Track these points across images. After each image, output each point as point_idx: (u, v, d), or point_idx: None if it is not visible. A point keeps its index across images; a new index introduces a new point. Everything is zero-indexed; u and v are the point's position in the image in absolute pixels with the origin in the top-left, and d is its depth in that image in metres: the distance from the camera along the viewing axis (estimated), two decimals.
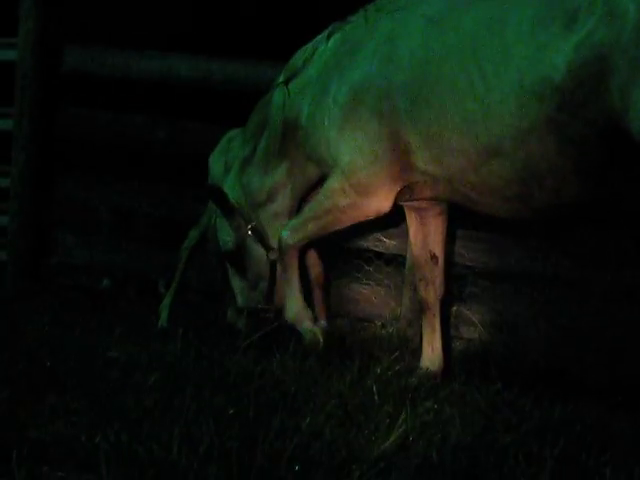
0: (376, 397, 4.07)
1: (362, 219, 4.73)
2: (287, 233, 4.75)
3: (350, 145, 4.57)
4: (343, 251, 5.74)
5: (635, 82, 3.84)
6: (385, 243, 5.63)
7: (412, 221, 4.91)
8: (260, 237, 5.05)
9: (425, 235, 4.88)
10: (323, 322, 5.02)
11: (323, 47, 4.84)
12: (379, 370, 4.52)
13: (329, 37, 4.84)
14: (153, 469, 3.19)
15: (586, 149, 4.02)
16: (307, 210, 4.76)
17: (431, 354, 4.87)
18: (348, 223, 4.74)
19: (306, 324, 4.81)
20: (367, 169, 4.54)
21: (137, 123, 6.32)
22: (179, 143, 6.18)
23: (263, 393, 4.04)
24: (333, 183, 4.64)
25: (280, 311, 4.99)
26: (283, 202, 5.04)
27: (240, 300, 5.12)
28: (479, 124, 4.21)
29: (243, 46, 7.77)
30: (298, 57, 4.97)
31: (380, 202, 4.61)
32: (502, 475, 3.32)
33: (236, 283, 5.13)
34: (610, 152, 4.02)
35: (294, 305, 4.81)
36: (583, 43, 3.94)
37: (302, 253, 4.99)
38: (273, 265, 5.03)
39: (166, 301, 5.50)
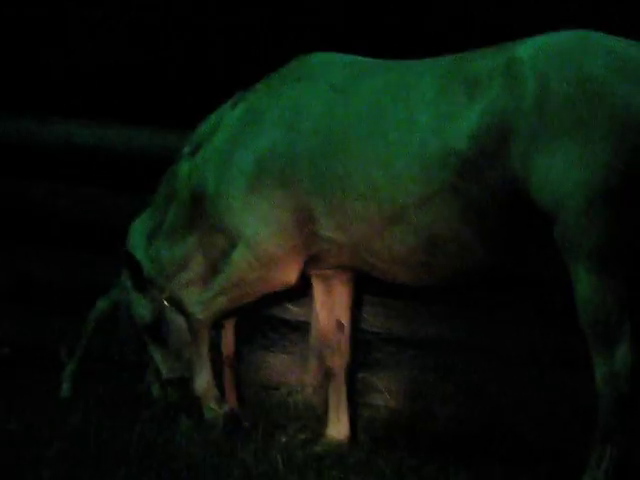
0: (281, 466, 4.02)
1: (270, 291, 4.71)
2: (196, 308, 4.71)
3: (254, 215, 4.55)
4: (249, 318, 5.70)
5: (536, 149, 3.92)
6: (291, 310, 5.61)
7: (318, 289, 4.90)
8: (177, 305, 4.99)
9: (331, 303, 4.88)
10: (227, 406, 4.90)
11: (228, 116, 4.84)
12: (284, 439, 4.48)
13: (234, 106, 4.85)
14: None
15: (489, 215, 4.08)
16: (215, 284, 4.71)
17: (337, 422, 4.83)
18: (258, 295, 4.72)
19: (211, 403, 4.74)
20: (271, 240, 4.53)
21: (39, 189, 6.23)
22: (81, 210, 6.10)
23: (167, 464, 3.97)
24: (238, 257, 4.62)
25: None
26: (196, 269, 4.99)
27: (164, 372, 5.04)
28: (383, 191, 4.24)
29: (151, 114, 7.75)
30: (203, 127, 4.96)
31: (287, 274, 4.60)
32: None
33: (158, 356, 5.05)
34: (513, 218, 4.08)
35: (202, 382, 4.75)
36: (485, 111, 4.01)
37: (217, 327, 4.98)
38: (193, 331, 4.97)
39: (68, 370, 5.37)
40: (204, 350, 4.76)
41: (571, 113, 3.88)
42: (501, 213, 4.07)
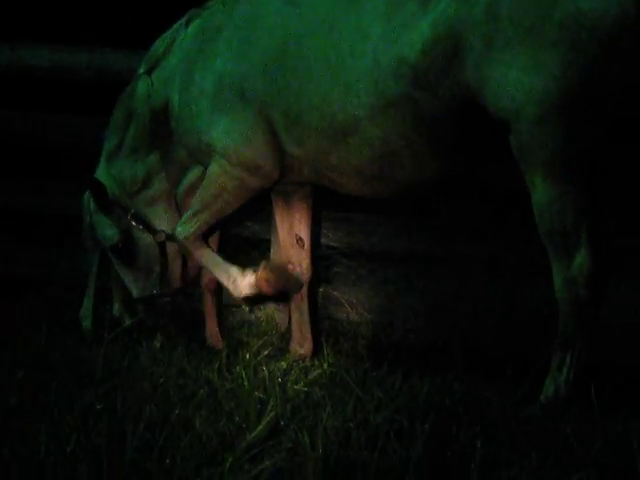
0: (246, 383, 4.05)
1: (252, 195, 4.67)
2: (181, 229, 4.66)
3: (221, 130, 4.52)
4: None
5: (489, 58, 3.90)
6: (251, 228, 5.61)
7: (277, 205, 4.90)
8: (143, 222, 4.97)
9: (291, 219, 4.88)
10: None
11: (183, 35, 4.79)
12: (248, 355, 4.51)
13: (187, 24, 4.79)
14: (19, 469, 3.11)
15: (442, 125, 4.07)
16: (196, 202, 4.67)
17: (300, 336, 4.88)
18: (240, 202, 4.66)
19: (251, 278, 4.60)
20: (244, 149, 4.50)
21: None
22: (38, 136, 6.01)
23: (131, 386, 3.98)
24: (215, 168, 4.58)
25: (178, 292, 4.98)
26: (159, 186, 4.98)
27: (135, 292, 5.02)
28: (337, 103, 4.23)
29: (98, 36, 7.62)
30: (158, 46, 4.91)
31: (267, 175, 4.56)
32: (374, 454, 3.33)
33: (127, 276, 5.03)
34: (468, 128, 4.08)
35: (232, 277, 4.63)
36: (437, 21, 3.98)
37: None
38: (162, 248, 4.97)
39: (87, 305, 5.30)
40: (210, 256, 4.68)
41: (522, 21, 3.86)
42: (456, 123, 4.07)
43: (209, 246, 4.74)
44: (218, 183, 4.59)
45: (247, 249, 5.69)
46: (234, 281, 4.61)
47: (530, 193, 3.98)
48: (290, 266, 4.80)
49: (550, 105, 3.84)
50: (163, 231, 4.97)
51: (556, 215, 3.92)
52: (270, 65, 4.40)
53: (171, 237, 4.88)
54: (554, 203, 3.92)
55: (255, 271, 4.58)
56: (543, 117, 3.86)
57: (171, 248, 4.97)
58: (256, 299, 4.64)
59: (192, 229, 4.63)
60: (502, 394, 4.09)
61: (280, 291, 4.62)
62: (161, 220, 4.99)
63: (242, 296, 4.60)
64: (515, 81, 3.87)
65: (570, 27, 3.80)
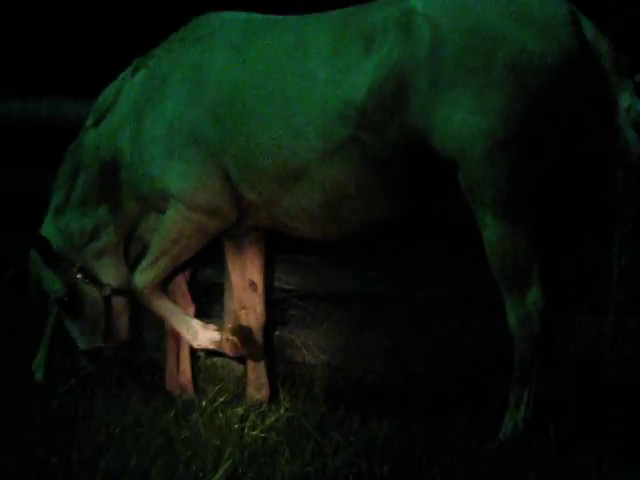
0: (202, 431, 4.01)
1: (211, 238, 4.65)
2: (138, 278, 4.61)
3: (175, 175, 4.50)
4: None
5: (435, 99, 3.93)
6: (203, 273, 5.57)
7: (229, 249, 4.87)
8: (89, 276, 4.92)
9: (243, 262, 4.86)
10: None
11: (129, 84, 4.77)
12: (204, 402, 4.46)
13: (134, 73, 4.78)
14: None
15: (393, 167, 4.10)
16: (153, 249, 4.63)
17: (256, 381, 4.84)
18: (199, 246, 4.64)
19: (213, 334, 4.61)
20: (200, 193, 4.48)
21: None
22: None
23: (86, 437, 3.93)
24: (172, 214, 4.55)
25: (123, 346, 4.92)
26: (107, 239, 4.93)
27: (81, 344, 4.97)
28: (286, 148, 4.23)
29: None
30: (105, 97, 4.88)
31: (225, 216, 4.54)
32: None
33: (73, 328, 4.98)
34: (418, 168, 4.10)
35: (193, 328, 4.61)
36: (382, 63, 4.02)
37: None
38: (108, 301, 4.91)
39: (40, 357, 5.23)
40: (168, 308, 4.65)
41: (466, 61, 3.91)
42: (405, 164, 4.09)
43: (167, 295, 4.72)
44: (176, 228, 4.56)
45: (200, 295, 5.64)
46: (194, 332, 4.59)
47: (481, 231, 4.00)
48: (255, 332, 4.77)
49: (496, 144, 3.88)
50: (109, 285, 4.92)
51: (507, 252, 3.95)
52: (220, 111, 4.40)
53: (117, 291, 4.88)
54: (505, 240, 3.95)
55: (220, 329, 4.61)
56: (490, 156, 3.89)
57: (117, 301, 4.93)
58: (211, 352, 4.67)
59: (150, 277, 4.60)
60: (460, 433, 4.09)
61: (242, 355, 4.67)
62: (108, 273, 4.95)
63: (201, 347, 4.62)
64: (461, 121, 3.91)
65: (514, 67, 3.86)
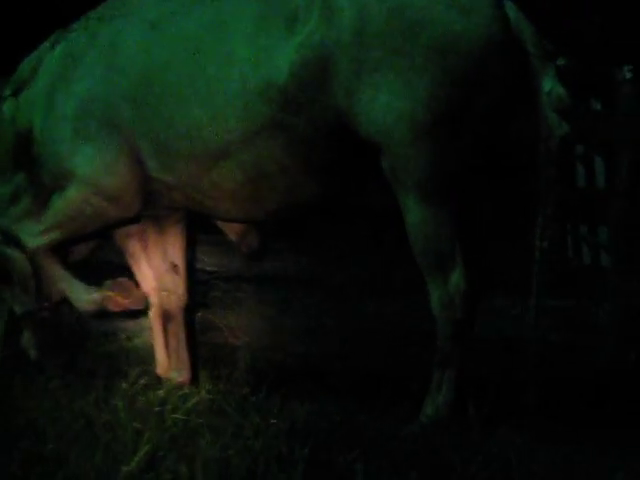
0: (122, 414, 3.96)
1: (111, 223, 4.60)
2: (31, 241, 4.59)
3: (83, 157, 4.44)
4: (83, 264, 5.58)
5: (358, 81, 3.92)
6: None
7: (150, 231, 4.83)
8: (11, 238, 4.84)
9: (164, 245, 4.81)
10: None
11: (49, 57, 4.69)
12: (125, 385, 4.42)
13: (53, 46, 4.70)
14: None
15: (314, 148, 4.08)
16: (49, 217, 4.58)
17: (178, 363, 4.81)
18: (96, 229, 4.60)
19: (95, 296, 4.61)
20: (105, 179, 4.42)
21: None
22: None
23: (3, 422, 3.86)
24: (74, 192, 4.49)
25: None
26: (27, 204, 4.86)
27: (17, 309, 4.90)
28: (206, 129, 4.19)
29: None
30: (23, 68, 4.80)
31: (127, 206, 4.50)
32: None
33: (7, 294, 4.91)
34: (341, 150, 4.08)
35: (77, 293, 4.62)
36: (304, 44, 3.99)
37: None
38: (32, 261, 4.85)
39: None
40: (55, 269, 4.63)
41: (390, 43, 3.90)
42: (328, 146, 4.07)
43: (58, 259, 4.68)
44: (75, 207, 4.51)
45: (121, 276, 5.57)
46: (78, 296, 4.60)
47: (403, 214, 4.00)
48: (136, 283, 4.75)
49: (420, 127, 3.88)
50: None
51: (430, 236, 3.97)
52: (135, 92, 4.33)
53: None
54: (427, 224, 3.96)
55: (99, 289, 4.60)
56: (413, 139, 3.89)
57: None
58: (101, 314, 4.67)
59: (42, 243, 4.58)
60: (382, 414, 4.10)
61: (124, 308, 4.65)
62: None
63: (85, 311, 4.64)
64: (385, 104, 3.90)
65: (438, 50, 3.86)
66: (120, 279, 4.70)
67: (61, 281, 4.63)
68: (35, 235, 4.59)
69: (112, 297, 4.58)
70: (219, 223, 4.89)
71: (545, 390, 4.31)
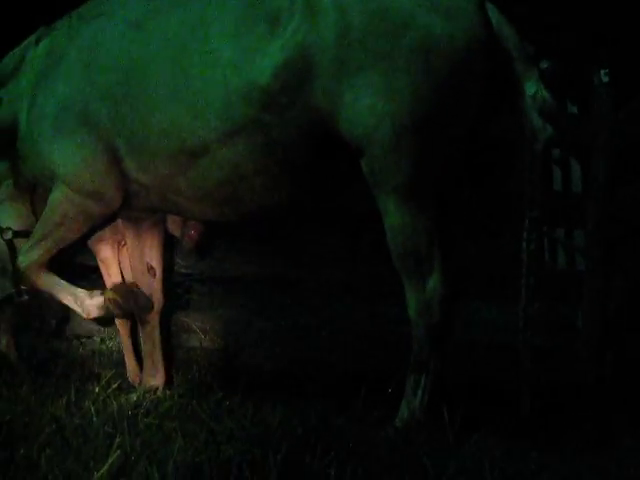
0: (95, 418, 3.93)
1: (96, 222, 4.57)
2: (22, 259, 4.55)
3: (62, 155, 4.42)
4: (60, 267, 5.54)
5: (340, 83, 3.90)
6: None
7: (128, 233, 4.80)
8: None
9: (141, 246, 4.78)
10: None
11: (32, 54, 4.68)
12: (97, 389, 4.38)
13: (37, 42, 4.68)
14: None
15: (294, 149, 4.05)
16: (38, 230, 4.56)
17: (151, 367, 4.78)
18: (83, 230, 4.57)
19: (99, 300, 4.55)
20: (85, 176, 4.40)
21: None
22: None
23: None
24: (57, 195, 4.48)
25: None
26: (7, 190, 4.95)
27: None
28: (186, 128, 4.16)
29: None
30: (6, 63, 4.81)
31: (109, 202, 4.46)
32: None
33: None
34: (321, 152, 4.06)
35: (81, 300, 4.55)
36: (287, 45, 3.96)
37: None
38: (11, 245, 4.88)
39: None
40: (52, 283, 4.58)
41: (373, 45, 3.87)
42: (308, 147, 4.04)
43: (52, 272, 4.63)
44: (60, 210, 4.48)
45: (96, 278, 5.54)
46: (82, 303, 4.55)
47: (382, 217, 3.98)
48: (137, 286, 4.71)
49: (402, 130, 3.86)
50: (9, 228, 4.92)
51: (408, 239, 3.94)
52: (114, 90, 4.31)
53: (19, 234, 4.86)
54: (406, 228, 3.93)
55: (103, 293, 4.55)
56: (395, 142, 3.87)
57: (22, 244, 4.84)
58: (106, 320, 4.62)
59: (34, 258, 4.53)
60: (357, 418, 4.08)
61: (129, 311, 4.62)
62: (8, 218, 4.90)
63: (91, 317, 4.55)
64: (367, 105, 3.88)
65: (421, 51, 3.83)
66: (122, 282, 4.67)
67: (61, 292, 4.58)
68: (25, 252, 4.56)
69: (117, 300, 4.53)
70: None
71: (524, 394, 4.30)
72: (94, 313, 4.53)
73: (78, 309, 4.55)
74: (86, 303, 4.53)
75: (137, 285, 4.70)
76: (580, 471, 3.64)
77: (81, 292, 4.56)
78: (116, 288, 4.61)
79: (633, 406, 4.41)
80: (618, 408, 4.38)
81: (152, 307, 4.72)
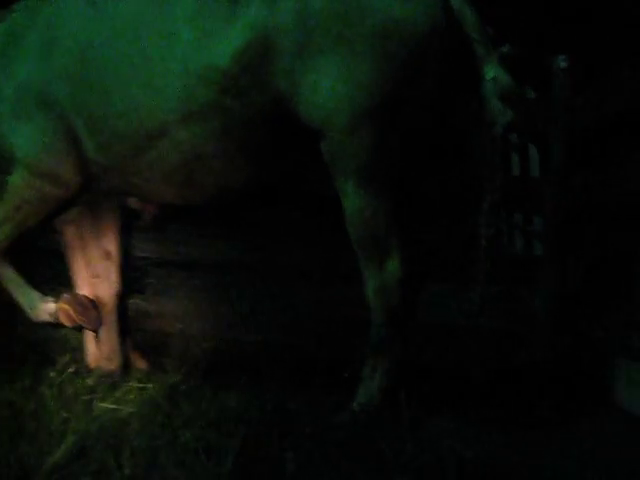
0: (50, 403, 3.90)
1: (56, 206, 4.49)
2: None
3: (22, 137, 4.37)
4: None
5: (301, 66, 3.88)
6: (58, 240, 5.42)
7: (86, 218, 4.76)
8: None
9: (98, 231, 4.75)
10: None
11: None
12: (53, 373, 4.35)
13: None
14: None
15: (253, 132, 4.03)
16: None
17: (109, 351, 4.74)
18: (44, 213, 4.48)
19: (50, 306, 4.50)
20: (43, 158, 4.34)
21: None
22: None
23: None
24: (16, 179, 4.42)
25: None
26: None
27: None
28: (144, 108, 4.12)
29: None
30: None
31: (68, 186, 4.41)
32: (183, 472, 3.25)
33: None
34: (279, 135, 4.04)
35: (32, 302, 4.50)
36: (247, 27, 3.94)
37: None
38: None
39: None
40: (8, 274, 4.50)
41: (333, 28, 3.86)
42: (268, 130, 4.03)
43: (10, 263, 4.57)
44: (18, 194, 4.43)
45: (54, 263, 5.50)
46: (33, 306, 4.48)
47: (341, 200, 3.98)
48: (94, 302, 4.66)
49: (361, 113, 3.85)
50: None
51: (367, 222, 3.94)
52: (72, 70, 4.26)
53: None
54: (365, 210, 3.93)
55: (56, 301, 4.49)
56: (354, 125, 3.86)
57: None
58: (54, 325, 4.56)
59: None
60: (314, 403, 4.07)
61: (78, 325, 4.55)
62: None
63: (39, 321, 4.51)
64: (326, 89, 3.87)
65: (380, 35, 3.83)
66: (79, 294, 4.61)
67: (14, 286, 4.51)
68: None
69: (67, 311, 4.47)
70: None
71: (480, 377, 4.33)
72: (42, 318, 4.49)
73: (27, 310, 4.49)
74: (37, 306, 4.48)
75: (93, 300, 4.64)
76: (535, 452, 3.67)
77: (34, 293, 4.50)
78: (71, 301, 4.52)
79: (588, 388, 4.44)
80: (573, 390, 4.42)
81: (101, 325, 4.68)
